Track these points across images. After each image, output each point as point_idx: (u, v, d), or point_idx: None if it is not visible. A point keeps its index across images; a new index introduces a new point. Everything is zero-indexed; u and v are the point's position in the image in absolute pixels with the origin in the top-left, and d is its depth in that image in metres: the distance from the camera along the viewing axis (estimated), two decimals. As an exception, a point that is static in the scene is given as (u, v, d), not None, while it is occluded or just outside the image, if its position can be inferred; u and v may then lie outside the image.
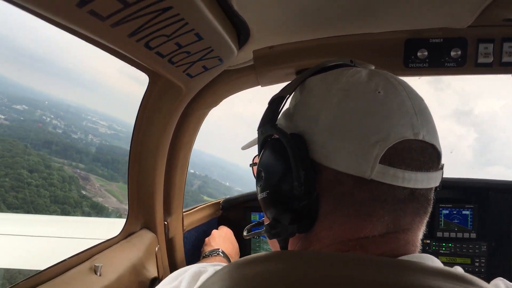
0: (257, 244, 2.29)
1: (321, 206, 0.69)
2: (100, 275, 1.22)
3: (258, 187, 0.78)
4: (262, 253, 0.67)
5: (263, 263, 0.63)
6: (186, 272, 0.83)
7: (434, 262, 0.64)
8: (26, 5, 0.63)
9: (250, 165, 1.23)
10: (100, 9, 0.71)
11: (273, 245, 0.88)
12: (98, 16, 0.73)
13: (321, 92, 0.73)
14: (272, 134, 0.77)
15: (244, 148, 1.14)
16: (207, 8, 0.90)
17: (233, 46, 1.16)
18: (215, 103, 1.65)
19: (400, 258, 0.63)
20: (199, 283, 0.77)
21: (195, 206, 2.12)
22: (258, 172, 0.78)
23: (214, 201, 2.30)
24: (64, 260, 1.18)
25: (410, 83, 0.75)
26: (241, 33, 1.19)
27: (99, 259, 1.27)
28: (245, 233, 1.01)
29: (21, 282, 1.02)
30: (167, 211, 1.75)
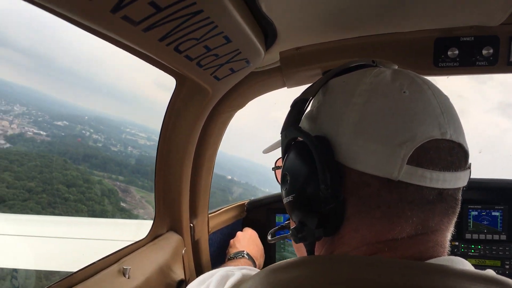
0: (281, 246, 2.28)
1: (347, 208, 0.68)
2: (128, 278, 1.23)
3: (283, 191, 0.77)
4: (296, 258, 0.67)
5: (297, 269, 0.62)
6: (213, 276, 0.83)
7: (465, 265, 0.63)
8: (62, 11, 0.64)
9: (273, 168, 1.21)
10: (132, 14, 0.72)
11: (298, 249, 0.87)
12: (131, 21, 0.73)
13: (345, 94, 0.72)
14: (296, 137, 0.76)
15: (265, 151, 1.12)
16: (236, 10, 0.89)
17: (260, 48, 1.15)
18: (241, 105, 1.65)
19: (429, 261, 0.62)
20: (226, 287, 0.77)
21: (220, 208, 2.12)
22: (283, 175, 0.77)
23: (239, 202, 2.30)
24: (94, 263, 1.19)
25: (444, 79, 0.73)
26: (268, 35, 1.19)
27: (127, 261, 1.28)
28: (269, 238, 1.01)
29: (53, 284, 1.04)
30: (193, 213, 1.75)
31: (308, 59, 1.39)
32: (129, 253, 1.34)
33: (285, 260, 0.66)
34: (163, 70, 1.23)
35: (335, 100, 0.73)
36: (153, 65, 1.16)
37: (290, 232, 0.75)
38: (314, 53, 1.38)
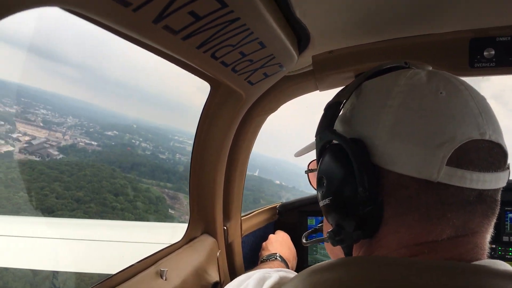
0: (314, 249, 2.27)
1: (386, 210, 0.67)
2: (165, 279, 1.26)
3: (319, 194, 0.77)
4: (337, 259, 0.67)
5: (338, 269, 0.62)
6: (250, 278, 0.84)
7: (507, 268, 0.62)
8: (108, 23, 0.66)
9: (306, 171, 1.20)
10: (173, 24, 0.74)
11: (332, 251, 0.87)
12: (171, 30, 0.75)
13: (380, 96, 0.72)
14: (331, 140, 0.76)
15: (297, 155, 1.12)
16: (271, 17, 0.91)
17: (293, 52, 1.16)
18: (274, 109, 1.66)
19: (473, 263, 0.62)
20: None
21: (252, 211, 2.13)
22: (319, 178, 0.77)
23: (270, 205, 2.31)
24: (132, 265, 1.22)
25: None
26: (301, 39, 1.19)
27: (164, 263, 1.31)
28: (304, 241, 1.00)
29: (94, 286, 1.07)
30: (226, 216, 1.77)
31: (340, 62, 1.39)
32: (165, 256, 1.37)
33: (325, 261, 0.66)
34: (199, 76, 1.25)
35: (370, 102, 0.73)
36: (189, 71, 1.18)
37: (327, 235, 0.75)
38: (347, 56, 1.38)
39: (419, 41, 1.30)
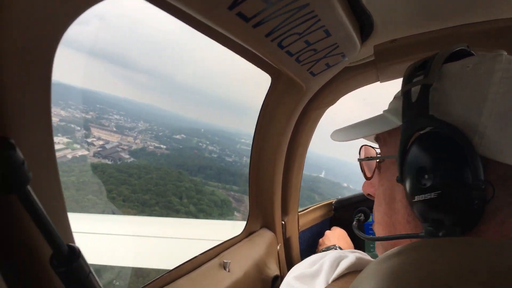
0: (371, 245, 2.22)
1: (494, 202, 0.64)
2: (228, 271, 1.27)
3: (416, 188, 0.70)
4: (417, 241, 0.63)
5: (420, 250, 0.59)
6: (326, 257, 0.82)
7: None
8: (185, 9, 0.67)
9: (360, 159, 1.06)
10: (246, 10, 0.74)
11: (380, 248, 0.85)
12: (244, 17, 0.76)
13: (479, 81, 0.66)
14: (421, 128, 0.69)
15: (341, 139, 0.97)
16: (338, 3, 0.89)
17: (356, 41, 1.14)
18: (333, 101, 1.64)
19: None
20: (339, 268, 0.77)
21: (308, 207, 2.12)
22: (418, 170, 0.70)
23: (326, 201, 2.28)
24: (196, 257, 1.25)
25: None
26: (365, 27, 1.17)
27: (226, 256, 1.33)
28: (361, 233, 0.95)
29: (164, 275, 1.10)
30: (284, 211, 1.77)
31: (404, 52, 1.35)
32: (227, 248, 1.39)
33: (403, 245, 0.64)
34: (260, 67, 1.25)
35: (464, 87, 0.68)
36: (250, 61, 1.19)
37: (425, 231, 0.71)
38: (410, 45, 1.33)
39: (486, 27, 1.25)
